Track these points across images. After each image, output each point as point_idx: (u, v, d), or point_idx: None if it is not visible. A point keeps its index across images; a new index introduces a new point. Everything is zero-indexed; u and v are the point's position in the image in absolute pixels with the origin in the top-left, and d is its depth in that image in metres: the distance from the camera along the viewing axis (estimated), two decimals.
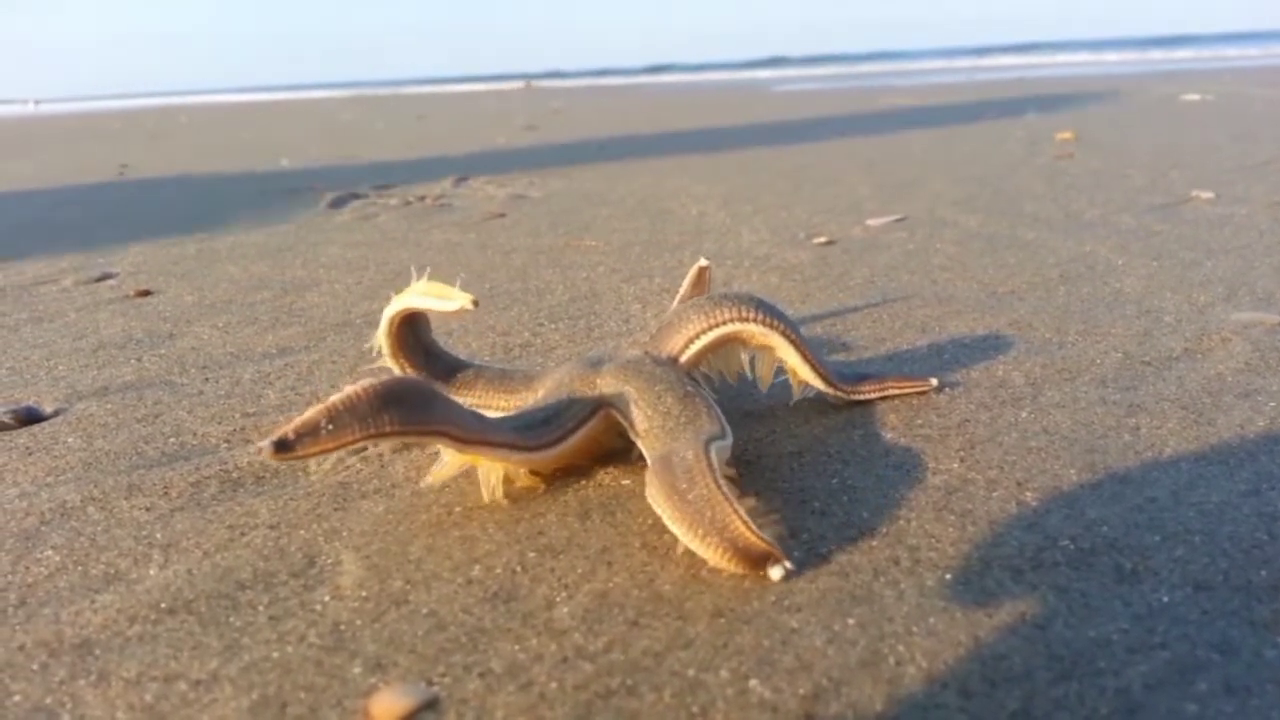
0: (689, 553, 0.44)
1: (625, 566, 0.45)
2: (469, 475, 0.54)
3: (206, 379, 0.79)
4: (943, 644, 0.38)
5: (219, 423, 0.68)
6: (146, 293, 1.13)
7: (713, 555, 0.42)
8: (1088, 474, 0.53)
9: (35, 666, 0.40)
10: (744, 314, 0.58)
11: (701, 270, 0.72)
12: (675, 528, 0.44)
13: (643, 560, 0.46)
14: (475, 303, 0.54)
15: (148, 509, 0.54)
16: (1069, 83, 5.81)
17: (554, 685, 0.37)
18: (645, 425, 0.51)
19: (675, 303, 0.71)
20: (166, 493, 0.56)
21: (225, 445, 0.64)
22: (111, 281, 1.21)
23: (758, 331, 0.58)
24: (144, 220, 1.74)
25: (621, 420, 0.53)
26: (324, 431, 0.43)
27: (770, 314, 0.58)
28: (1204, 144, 2.17)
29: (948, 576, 0.43)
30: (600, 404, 0.54)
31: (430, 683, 0.37)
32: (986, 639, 0.38)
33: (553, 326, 0.91)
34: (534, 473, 0.54)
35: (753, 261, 1.16)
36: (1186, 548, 0.44)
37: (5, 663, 0.40)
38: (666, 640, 0.39)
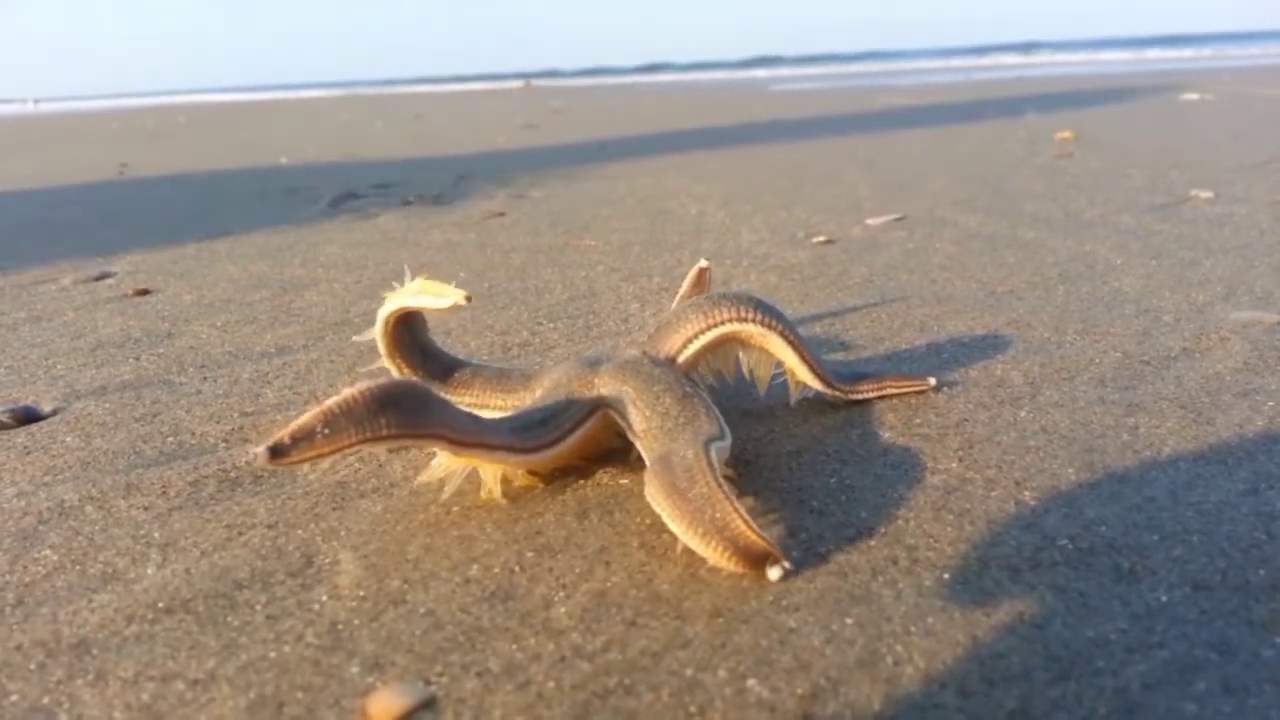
0: (687, 552, 0.44)
1: (623, 566, 0.45)
2: (467, 474, 0.54)
3: (205, 378, 0.79)
4: (941, 643, 0.38)
5: (217, 422, 0.68)
6: (145, 292, 1.13)
7: (713, 554, 0.42)
8: (1086, 473, 0.53)
9: (33, 666, 0.40)
10: (742, 314, 0.58)
11: (701, 271, 0.72)
12: (675, 527, 0.44)
13: (641, 560, 0.46)
14: (468, 298, 0.54)
15: (146, 508, 0.54)
16: (1069, 82, 5.81)
17: (552, 685, 0.37)
18: (643, 426, 0.51)
19: (675, 303, 0.71)
20: (164, 492, 0.56)
21: (223, 444, 0.64)
22: (110, 281, 1.21)
23: (756, 332, 0.58)
24: (143, 219, 1.73)
25: (619, 421, 0.53)
26: (320, 436, 0.43)
27: (769, 314, 0.58)
28: (1203, 143, 2.17)
29: (946, 576, 0.43)
30: (598, 404, 0.54)
31: (428, 682, 0.37)
32: (984, 638, 0.38)
33: (551, 325, 0.91)
34: (532, 472, 0.54)
35: (752, 261, 1.16)
36: (1185, 547, 0.44)
37: (3, 662, 0.40)
38: (664, 640, 0.39)
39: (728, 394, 0.68)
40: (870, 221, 1.39)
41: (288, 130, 4.53)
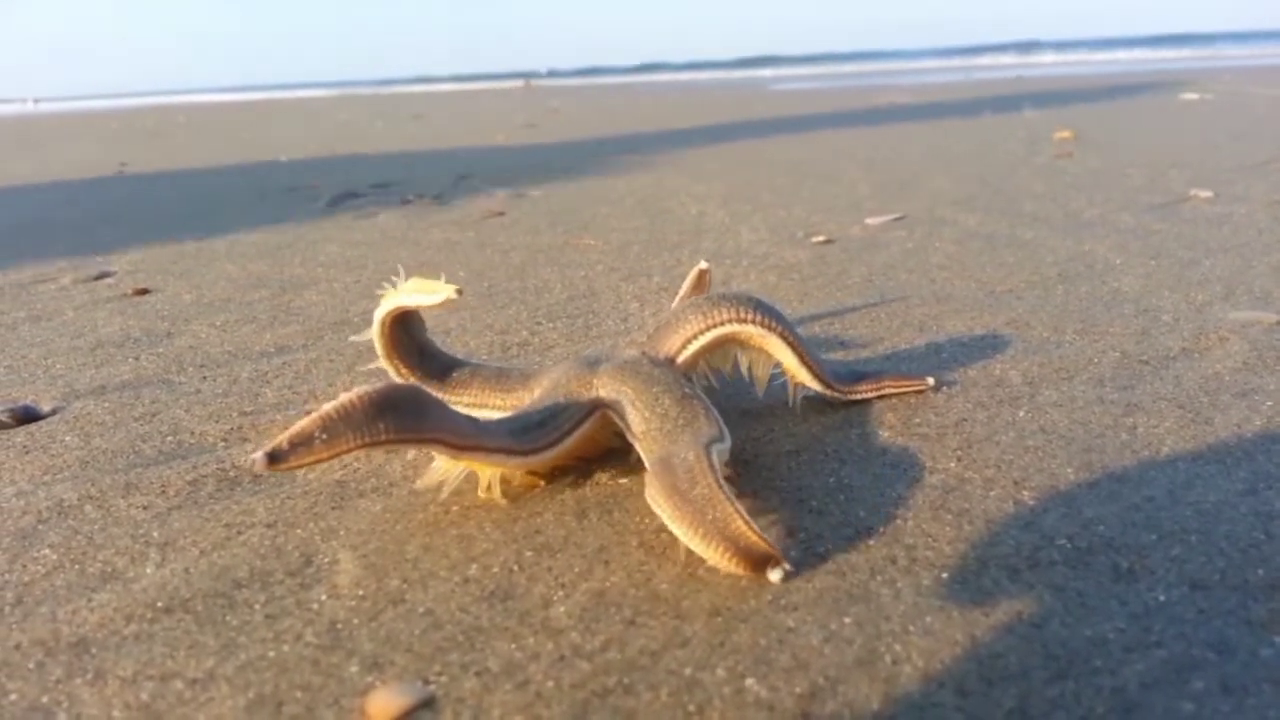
0: (686, 552, 0.44)
1: (622, 565, 0.45)
2: (466, 474, 0.54)
3: (204, 378, 0.79)
4: (939, 643, 0.38)
5: (216, 421, 0.68)
6: (144, 291, 1.13)
7: (714, 556, 0.42)
8: (1085, 473, 0.53)
9: (32, 665, 0.40)
10: (742, 315, 0.58)
11: (702, 273, 0.72)
12: (676, 528, 0.44)
13: (640, 559, 0.46)
14: (459, 291, 0.54)
15: (145, 508, 0.54)
16: (1068, 82, 5.81)
17: (551, 684, 0.37)
18: (643, 427, 0.51)
19: (674, 304, 0.71)
20: (164, 491, 0.56)
21: (223, 444, 0.64)
22: (109, 280, 1.21)
23: (755, 333, 0.58)
24: (142, 219, 1.73)
25: (618, 422, 0.53)
26: (318, 441, 0.43)
27: (768, 315, 0.58)
28: (1203, 143, 2.17)
29: (944, 575, 0.43)
30: (596, 405, 0.54)
31: (427, 681, 0.37)
32: (983, 638, 0.38)
33: (551, 325, 0.91)
34: (531, 472, 0.54)
35: (751, 260, 1.16)
36: (1183, 547, 0.44)
37: (2, 661, 0.40)
38: (663, 639, 0.39)
39: (727, 394, 0.68)
40: (870, 221, 1.39)
41: (287, 130, 4.53)
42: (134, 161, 3.02)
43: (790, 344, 0.59)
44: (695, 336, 0.58)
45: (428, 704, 0.36)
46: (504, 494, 0.52)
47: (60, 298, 1.12)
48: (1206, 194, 1.46)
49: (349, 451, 0.44)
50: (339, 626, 0.41)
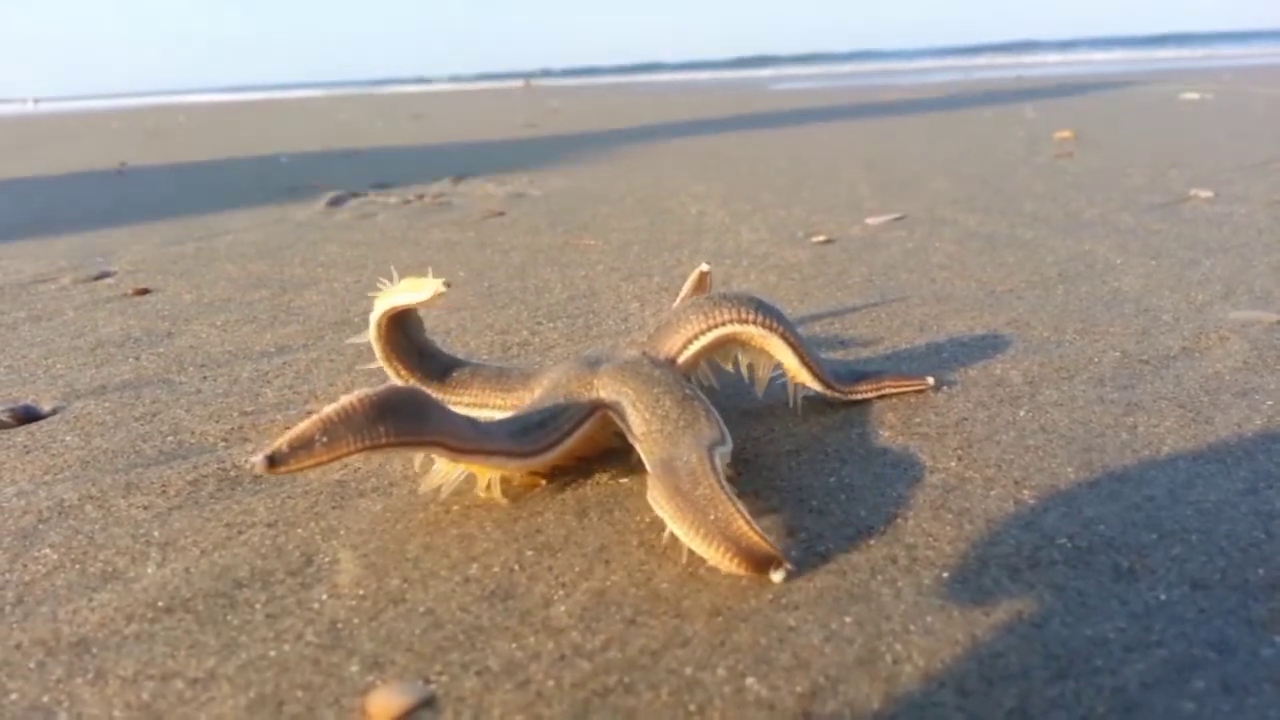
0: (687, 551, 0.44)
1: (623, 565, 0.45)
2: (466, 473, 0.54)
3: (204, 377, 0.79)
4: (940, 642, 0.38)
5: (217, 421, 0.68)
6: (145, 291, 1.13)
7: (717, 556, 0.42)
8: (1085, 472, 0.53)
9: (32, 665, 0.40)
10: (743, 315, 0.58)
11: (702, 275, 0.72)
12: (678, 528, 0.44)
13: (640, 559, 0.46)
14: (447, 284, 0.54)
15: (145, 507, 0.54)
16: (1068, 82, 5.81)
17: (551, 683, 0.37)
18: (644, 429, 0.51)
19: (675, 305, 0.71)
20: (164, 491, 0.56)
21: (223, 444, 0.64)
22: (110, 280, 1.21)
23: (757, 333, 0.58)
24: (142, 218, 1.73)
25: (619, 423, 0.53)
26: (318, 444, 0.43)
27: (769, 316, 0.58)
28: (1203, 143, 2.17)
29: (945, 575, 0.43)
30: (597, 406, 0.54)
31: (427, 681, 0.37)
32: (983, 637, 0.38)
33: (551, 325, 0.91)
34: (532, 471, 0.54)
35: (751, 260, 1.16)
36: (1184, 546, 0.44)
37: (2, 661, 0.40)
38: (664, 638, 0.39)
39: (727, 394, 0.68)
40: (870, 221, 1.39)
41: (287, 129, 4.53)
42: (134, 161, 3.02)
43: (791, 345, 0.59)
44: (696, 337, 0.58)
45: (428, 703, 0.36)
46: (504, 493, 0.52)
47: (61, 297, 1.12)
48: (1207, 194, 1.46)
49: (349, 455, 0.44)
50: (340, 626, 0.41)
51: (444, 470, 0.51)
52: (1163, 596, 0.40)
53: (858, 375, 0.65)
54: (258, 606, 0.43)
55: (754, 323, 0.58)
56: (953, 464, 0.54)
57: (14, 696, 0.38)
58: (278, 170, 2.53)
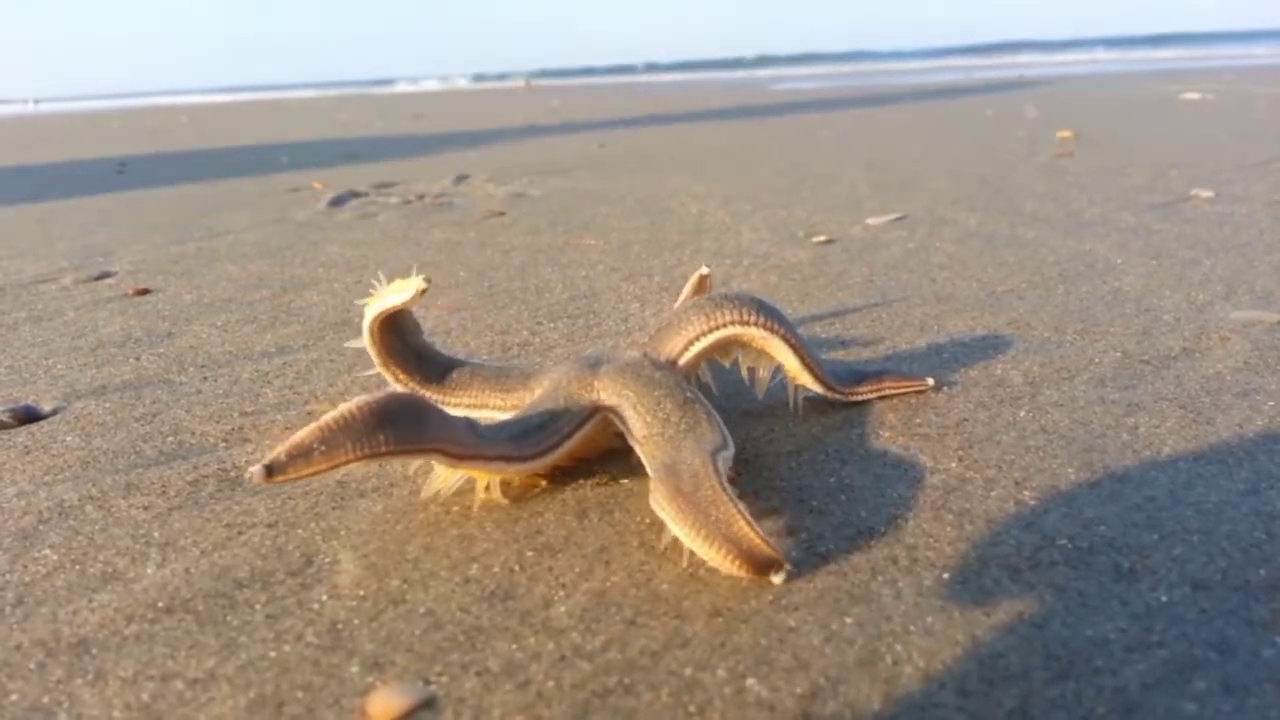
0: (687, 552, 0.44)
1: (623, 565, 0.45)
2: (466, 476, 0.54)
3: (205, 378, 0.79)
4: (940, 643, 0.38)
5: (217, 421, 0.68)
6: (145, 291, 1.13)
7: (718, 558, 0.42)
8: (1086, 473, 0.52)
9: (32, 665, 0.40)
10: (745, 317, 0.58)
11: (702, 278, 0.72)
12: (679, 529, 0.44)
13: (640, 559, 0.46)
14: (428, 280, 0.54)
15: (145, 508, 0.54)
16: (1069, 81, 5.81)
17: (551, 684, 0.37)
18: (645, 432, 0.51)
19: (676, 306, 0.71)
20: (164, 492, 0.56)
21: (223, 444, 0.64)
22: (110, 280, 1.21)
23: (758, 335, 0.58)
24: (143, 219, 1.73)
25: (620, 425, 0.53)
26: (317, 452, 0.43)
27: (771, 317, 0.58)
28: (1204, 143, 2.17)
29: (945, 576, 0.43)
30: (597, 408, 0.54)
31: (427, 682, 0.37)
32: (984, 638, 0.38)
33: (551, 325, 0.91)
34: (532, 472, 0.53)
35: (752, 260, 1.16)
36: (1185, 547, 0.44)
37: (3, 661, 0.40)
38: (664, 639, 0.39)
39: (727, 394, 0.68)
40: (870, 221, 1.39)
41: (288, 130, 4.53)
42: (135, 161, 3.02)
43: (792, 346, 0.59)
44: (698, 338, 0.58)
45: (428, 704, 0.36)
46: (504, 494, 0.52)
47: (61, 298, 1.12)
48: (1207, 193, 1.46)
49: (348, 463, 0.43)
50: (340, 627, 0.41)
51: (443, 475, 0.51)
52: (1164, 597, 0.40)
53: (858, 376, 0.65)
54: (258, 607, 0.43)
55: (756, 324, 0.58)
56: (953, 464, 0.54)
57: (14, 697, 0.38)
58: (279, 170, 2.53)
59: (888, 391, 0.65)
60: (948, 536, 0.46)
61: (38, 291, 1.16)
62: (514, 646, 0.39)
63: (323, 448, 0.43)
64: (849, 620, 0.40)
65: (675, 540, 0.44)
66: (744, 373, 0.62)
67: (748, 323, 0.58)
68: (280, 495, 0.55)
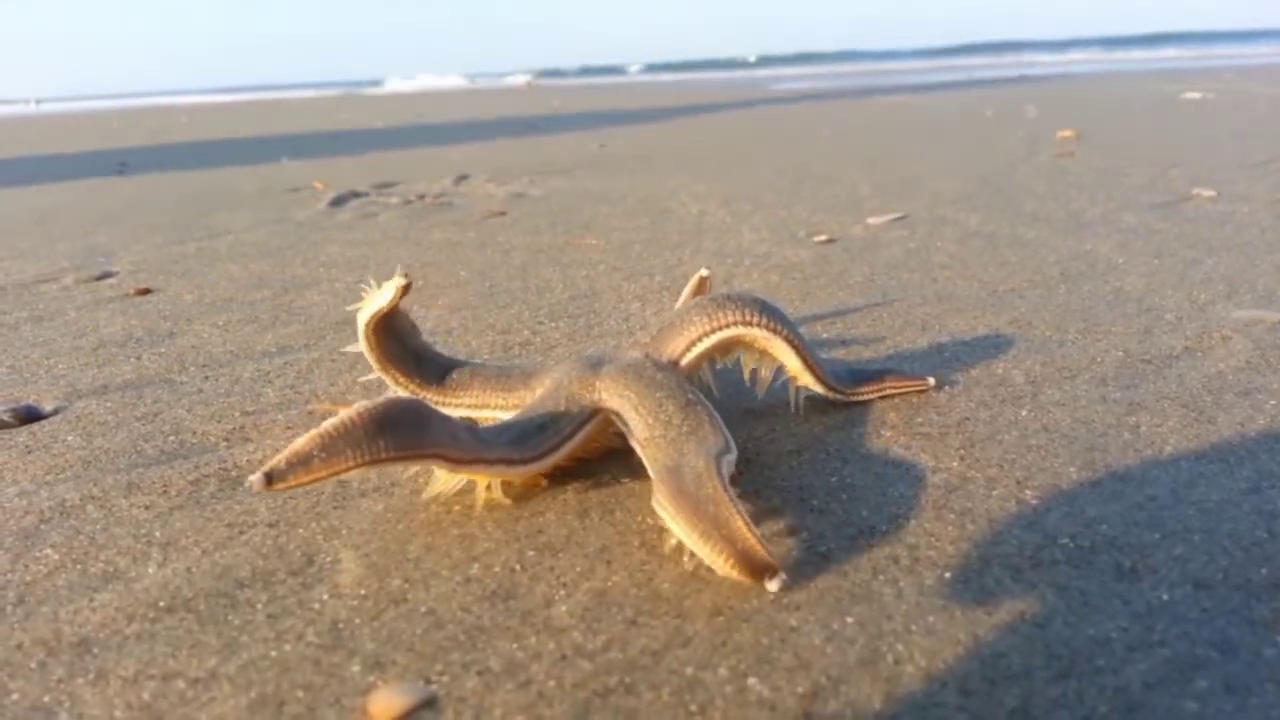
0: (689, 551, 0.44)
1: (624, 565, 0.45)
2: None
3: (206, 377, 0.79)
4: (942, 642, 0.38)
5: (218, 421, 0.68)
6: (146, 291, 1.13)
7: (712, 556, 0.42)
8: (1087, 472, 0.52)
9: (33, 665, 0.40)
10: (748, 318, 0.57)
11: (702, 280, 0.72)
12: (677, 526, 0.44)
13: (641, 559, 0.46)
14: (407, 276, 0.54)
15: (147, 507, 0.54)
16: (1070, 81, 5.81)
17: (552, 683, 0.37)
18: (646, 434, 0.51)
19: (677, 306, 0.71)
20: (165, 491, 0.56)
21: (225, 444, 0.64)
22: (111, 280, 1.21)
23: (761, 336, 0.58)
24: (144, 219, 1.74)
25: (621, 427, 0.53)
26: (317, 460, 0.43)
27: (773, 318, 0.58)
28: (1205, 142, 2.17)
29: (947, 575, 0.43)
30: (598, 409, 0.54)
31: (428, 681, 0.37)
32: (985, 637, 0.38)
33: (552, 325, 0.91)
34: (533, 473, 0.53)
35: (753, 260, 1.16)
36: (1186, 546, 0.44)
37: (4, 661, 0.40)
38: (665, 638, 0.39)
39: (728, 393, 0.68)
40: (871, 220, 1.39)
41: (289, 129, 4.53)
42: (135, 161, 3.02)
43: (795, 347, 0.59)
44: (700, 339, 0.57)
45: (429, 703, 0.36)
46: (506, 493, 0.52)
47: (62, 298, 1.12)
48: (1209, 193, 1.46)
49: (348, 470, 0.43)
50: (341, 626, 0.41)
51: (443, 479, 0.51)
52: (1165, 596, 0.40)
53: (859, 376, 0.65)
54: (259, 606, 0.43)
55: (759, 325, 0.58)
56: (955, 464, 0.54)
57: (15, 696, 0.38)
58: (279, 170, 2.54)
59: (889, 391, 0.65)
60: (949, 536, 0.46)
61: (39, 291, 1.16)
62: (515, 646, 0.39)
63: (323, 455, 0.43)
64: (850, 619, 0.40)
65: (680, 544, 0.44)
66: (745, 373, 0.62)
67: (750, 323, 0.57)
68: (281, 495, 0.55)
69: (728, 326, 0.57)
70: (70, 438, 0.66)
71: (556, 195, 1.83)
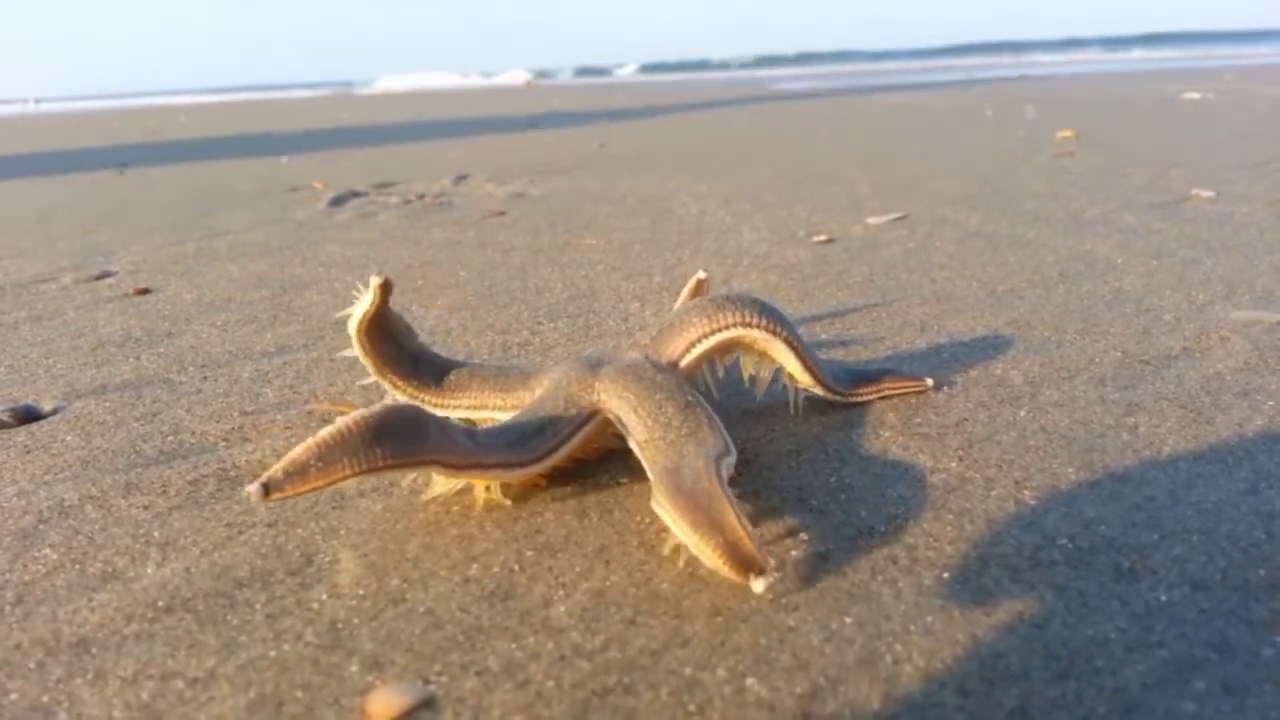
0: (687, 552, 0.44)
1: (623, 565, 0.45)
2: None
3: (205, 377, 0.79)
4: (940, 643, 0.38)
5: (217, 421, 0.68)
6: (145, 291, 1.13)
7: (703, 549, 0.42)
8: (1086, 473, 0.52)
9: (32, 665, 0.40)
10: (747, 319, 0.57)
11: (700, 283, 0.72)
12: (673, 521, 0.43)
13: (640, 559, 0.46)
14: (381, 274, 0.55)
15: (145, 507, 0.54)
16: (1069, 81, 5.81)
17: (551, 684, 0.37)
18: (646, 436, 0.51)
19: (676, 307, 0.71)
20: (164, 491, 0.56)
21: (223, 444, 0.64)
22: (110, 280, 1.21)
23: (760, 337, 0.58)
24: (143, 218, 1.73)
25: (620, 428, 0.53)
26: (314, 469, 0.43)
27: (773, 319, 0.58)
28: (1205, 142, 2.17)
29: (945, 575, 0.43)
30: (597, 411, 0.54)
31: (427, 681, 0.37)
32: (984, 638, 0.38)
33: (552, 325, 0.91)
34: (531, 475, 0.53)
35: (752, 260, 1.16)
36: (1184, 546, 0.44)
37: (2, 661, 0.40)
38: (664, 639, 0.39)
39: (727, 393, 0.68)
40: (871, 220, 1.39)
41: (288, 129, 4.53)
42: (135, 161, 3.02)
43: (794, 348, 0.59)
44: (700, 340, 0.57)
45: (428, 704, 0.36)
46: (504, 494, 0.52)
47: (61, 297, 1.12)
48: (1208, 193, 1.46)
49: (346, 479, 0.43)
50: (339, 626, 0.41)
51: (443, 480, 0.51)
52: (1163, 597, 0.40)
53: (858, 377, 0.65)
54: (258, 606, 0.43)
55: (758, 326, 0.57)
56: (953, 464, 0.54)
57: (14, 696, 0.38)
58: (278, 170, 2.53)
59: (887, 392, 0.65)
60: (948, 536, 0.46)
61: (38, 291, 1.16)
62: (514, 646, 0.39)
63: (319, 464, 0.43)
64: (849, 620, 0.40)
65: (679, 545, 0.44)
66: (745, 374, 0.62)
67: (750, 325, 0.57)
68: None
69: (727, 328, 0.57)
70: (69, 438, 0.66)
71: (556, 195, 1.83)
